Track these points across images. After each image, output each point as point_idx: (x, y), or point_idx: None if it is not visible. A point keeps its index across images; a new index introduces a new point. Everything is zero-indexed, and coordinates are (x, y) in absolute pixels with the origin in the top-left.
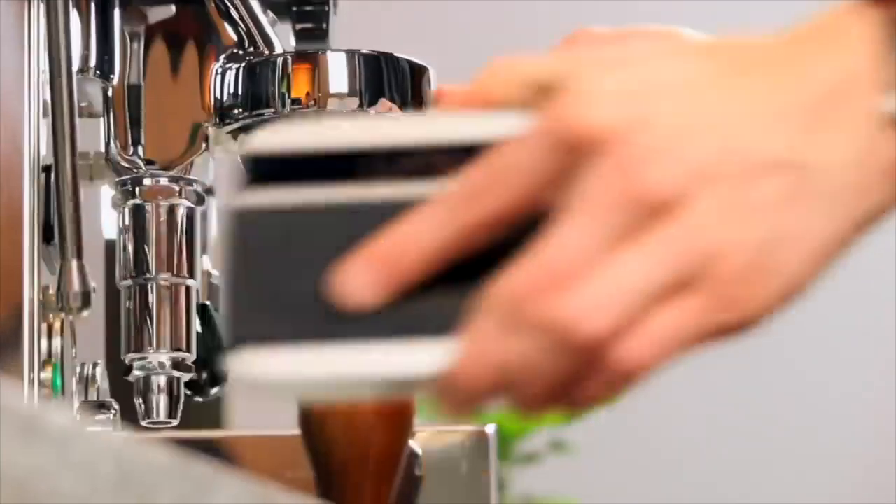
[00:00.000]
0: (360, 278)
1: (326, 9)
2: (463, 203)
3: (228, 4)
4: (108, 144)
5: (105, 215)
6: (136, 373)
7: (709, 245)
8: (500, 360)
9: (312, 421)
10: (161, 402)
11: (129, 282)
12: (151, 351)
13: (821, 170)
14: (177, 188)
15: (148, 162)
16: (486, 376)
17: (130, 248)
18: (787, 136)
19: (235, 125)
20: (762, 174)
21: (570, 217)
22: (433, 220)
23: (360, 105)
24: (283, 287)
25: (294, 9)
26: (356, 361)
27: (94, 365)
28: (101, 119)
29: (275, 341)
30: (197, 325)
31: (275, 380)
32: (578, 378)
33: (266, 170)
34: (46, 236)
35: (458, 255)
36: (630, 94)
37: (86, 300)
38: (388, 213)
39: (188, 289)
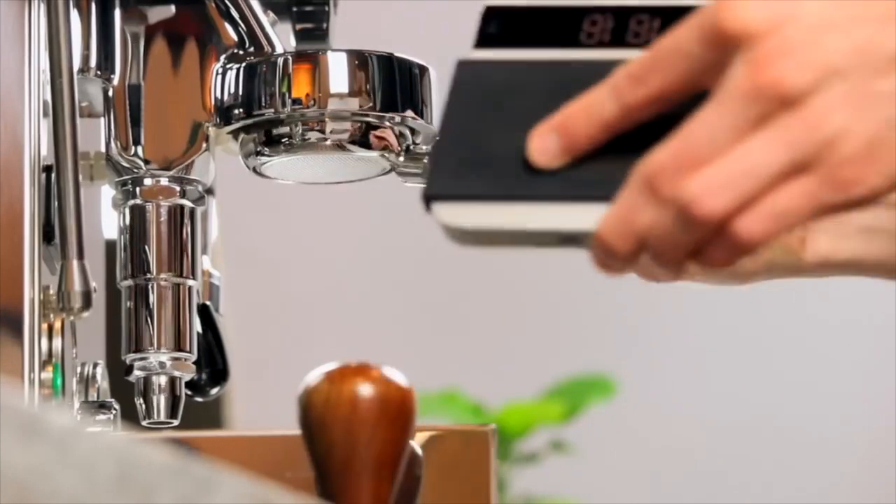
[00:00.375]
0: (544, 142)
1: (326, 9)
2: (629, 84)
3: (228, 4)
4: (108, 144)
5: (105, 215)
6: (137, 373)
7: (828, 132)
8: (637, 227)
9: (312, 421)
10: (161, 402)
11: (129, 282)
12: (152, 351)
13: None
14: (177, 188)
15: (148, 162)
16: (624, 239)
17: (130, 248)
18: None
19: (235, 125)
20: (887, 70)
21: (710, 105)
22: (604, 97)
23: (361, 106)
24: (483, 142)
25: (294, 9)
26: (535, 216)
27: (95, 365)
28: (101, 119)
29: (470, 195)
30: (197, 325)
31: (467, 229)
32: (704, 245)
33: (495, 29)
34: (46, 236)
35: (628, 128)
36: None
37: (86, 300)
38: (586, 75)
39: (188, 289)
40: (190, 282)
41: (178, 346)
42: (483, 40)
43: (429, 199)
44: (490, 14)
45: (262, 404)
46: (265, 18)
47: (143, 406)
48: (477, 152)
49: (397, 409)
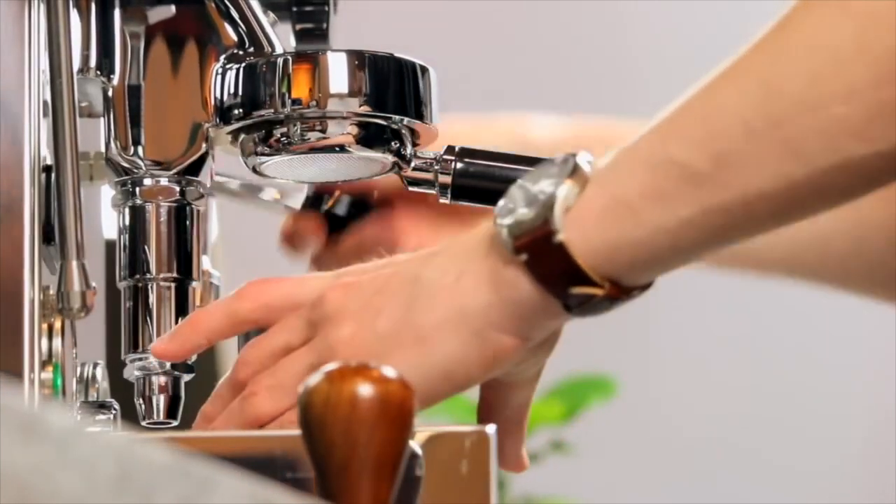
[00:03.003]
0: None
1: (326, 9)
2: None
3: (228, 4)
4: (108, 144)
5: (105, 215)
6: (137, 373)
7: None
8: None
9: (312, 421)
10: (161, 402)
11: (129, 282)
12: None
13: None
14: (177, 188)
15: (148, 162)
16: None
17: (130, 248)
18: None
19: (235, 125)
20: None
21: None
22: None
23: (361, 106)
24: None
25: (294, 9)
26: None
27: (95, 365)
28: (101, 119)
29: None
30: None
31: None
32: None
33: None
34: (46, 236)
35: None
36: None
37: (86, 300)
38: None
39: (188, 289)
40: (190, 282)
41: None
42: None
43: None
44: None
45: None
46: (265, 18)
47: (143, 406)
48: None
49: (397, 409)
